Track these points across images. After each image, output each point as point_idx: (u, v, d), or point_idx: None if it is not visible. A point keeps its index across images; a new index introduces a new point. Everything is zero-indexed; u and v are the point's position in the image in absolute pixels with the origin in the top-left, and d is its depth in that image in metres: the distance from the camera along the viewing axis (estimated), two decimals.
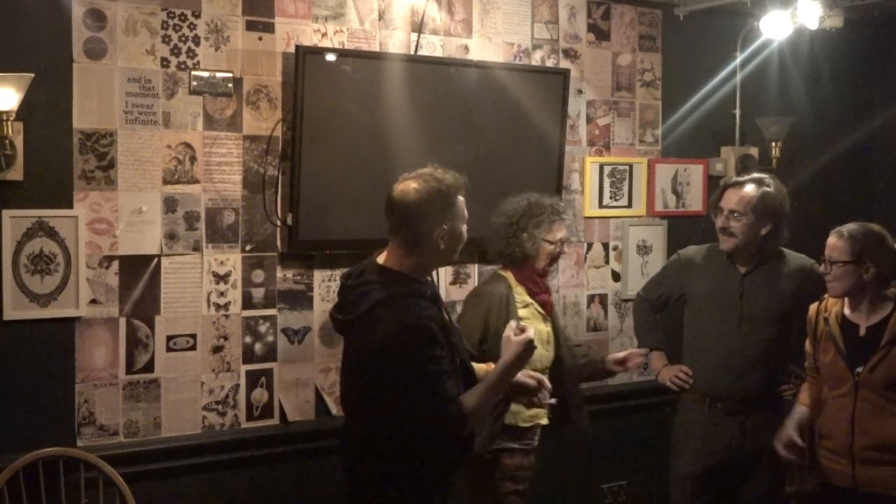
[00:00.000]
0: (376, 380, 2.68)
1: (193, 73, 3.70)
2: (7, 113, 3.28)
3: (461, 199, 2.78)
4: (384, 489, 2.75)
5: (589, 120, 4.64)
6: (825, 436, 3.43)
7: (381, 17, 4.07)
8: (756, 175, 3.75)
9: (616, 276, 4.78)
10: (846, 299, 3.37)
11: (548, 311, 3.65)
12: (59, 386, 3.52)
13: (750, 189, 3.66)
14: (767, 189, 3.67)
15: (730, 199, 3.68)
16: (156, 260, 3.67)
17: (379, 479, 2.76)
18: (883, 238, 3.33)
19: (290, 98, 3.78)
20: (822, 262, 3.38)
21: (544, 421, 3.60)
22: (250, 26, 3.81)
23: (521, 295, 3.58)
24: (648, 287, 4.08)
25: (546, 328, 3.62)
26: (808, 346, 3.52)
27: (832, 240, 3.35)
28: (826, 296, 3.44)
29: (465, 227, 2.82)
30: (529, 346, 2.76)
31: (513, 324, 2.85)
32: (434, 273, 3.03)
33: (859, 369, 3.28)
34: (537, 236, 3.54)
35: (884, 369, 3.25)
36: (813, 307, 3.49)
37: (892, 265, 3.32)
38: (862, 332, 3.33)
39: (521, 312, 3.52)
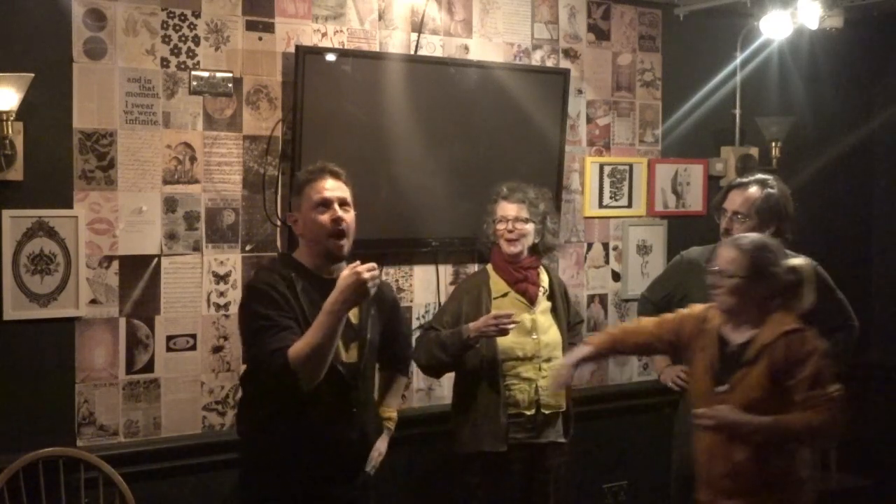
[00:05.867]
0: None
1: (193, 73, 3.70)
2: (7, 113, 3.28)
3: (314, 187, 2.95)
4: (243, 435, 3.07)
5: (589, 120, 4.64)
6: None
7: (381, 17, 4.06)
8: (760, 176, 3.73)
9: (616, 277, 4.77)
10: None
11: (529, 300, 3.68)
12: (59, 386, 3.52)
13: (754, 190, 3.64)
14: (771, 190, 3.64)
15: (734, 201, 3.66)
16: (156, 260, 3.67)
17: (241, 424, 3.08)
18: (777, 255, 3.03)
19: (290, 98, 3.78)
20: (711, 271, 3.06)
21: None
22: (250, 26, 3.81)
23: (497, 284, 3.68)
24: (652, 288, 4.07)
25: (530, 316, 3.66)
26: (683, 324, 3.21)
27: (730, 252, 3.03)
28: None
29: (319, 215, 2.92)
30: (356, 282, 2.69)
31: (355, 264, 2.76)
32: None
33: (720, 388, 2.98)
34: (490, 222, 3.71)
35: (743, 390, 2.93)
36: (701, 309, 3.18)
37: (781, 284, 3.00)
38: (732, 348, 3.03)
39: (497, 301, 3.64)
